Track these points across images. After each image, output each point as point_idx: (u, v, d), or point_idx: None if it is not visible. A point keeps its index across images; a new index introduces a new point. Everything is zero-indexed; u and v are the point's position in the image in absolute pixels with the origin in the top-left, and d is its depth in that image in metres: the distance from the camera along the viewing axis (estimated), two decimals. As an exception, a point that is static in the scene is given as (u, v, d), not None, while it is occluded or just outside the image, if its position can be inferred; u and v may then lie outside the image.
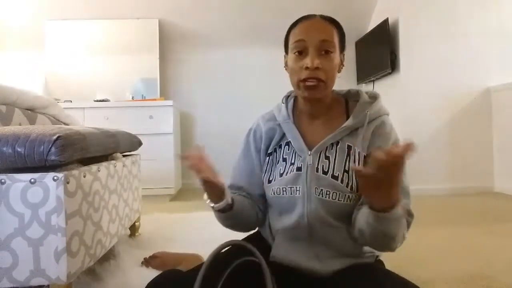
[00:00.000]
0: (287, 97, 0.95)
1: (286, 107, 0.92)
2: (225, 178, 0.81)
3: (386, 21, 3.10)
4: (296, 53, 0.81)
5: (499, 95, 3.03)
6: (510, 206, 2.57)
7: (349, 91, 0.93)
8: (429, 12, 3.07)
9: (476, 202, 2.70)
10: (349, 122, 0.83)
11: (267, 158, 0.91)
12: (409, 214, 0.77)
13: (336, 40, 0.81)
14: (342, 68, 0.86)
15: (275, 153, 0.90)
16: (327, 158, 0.82)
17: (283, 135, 0.90)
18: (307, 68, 0.79)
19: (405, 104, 3.08)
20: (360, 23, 3.65)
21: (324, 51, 0.80)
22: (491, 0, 3.10)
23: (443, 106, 3.08)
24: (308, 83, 0.80)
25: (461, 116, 3.09)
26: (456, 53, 3.08)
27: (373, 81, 3.57)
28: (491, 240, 1.71)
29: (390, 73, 3.22)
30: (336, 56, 0.82)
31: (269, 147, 0.92)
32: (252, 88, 3.76)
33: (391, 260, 1.00)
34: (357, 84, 3.79)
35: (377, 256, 0.88)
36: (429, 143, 3.07)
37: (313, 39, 0.79)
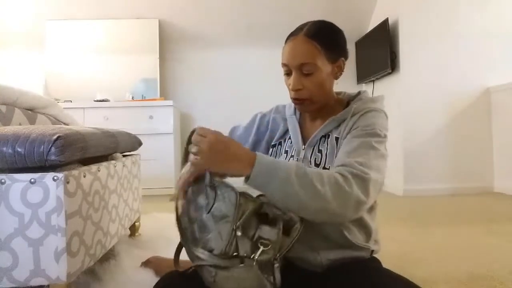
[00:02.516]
0: None
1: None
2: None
3: (386, 21, 3.10)
4: (285, 74, 0.88)
5: (499, 95, 3.03)
6: (510, 206, 2.57)
7: (357, 94, 0.96)
8: (429, 12, 3.07)
9: (476, 202, 2.69)
10: (337, 115, 0.88)
11: (271, 149, 0.97)
12: (353, 174, 0.71)
13: (318, 58, 0.83)
14: (340, 74, 0.90)
15: (279, 145, 0.97)
16: (319, 151, 0.87)
17: (288, 129, 0.96)
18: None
19: (405, 104, 3.08)
20: (360, 23, 3.65)
21: (305, 73, 0.84)
22: (491, 0, 3.10)
23: (443, 106, 3.08)
24: (294, 102, 0.89)
25: (461, 116, 3.08)
26: (456, 53, 3.07)
27: (373, 81, 3.57)
28: (491, 240, 1.71)
29: (390, 73, 3.22)
30: (321, 72, 0.84)
31: (273, 139, 0.98)
32: (252, 87, 3.76)
33: (391, 260, 1.00)
34: (357, 84, 3.79)
35: (373, 251, 0.88)
36: (429, 143, 3.07)
37: (293, 63, 0.84)
